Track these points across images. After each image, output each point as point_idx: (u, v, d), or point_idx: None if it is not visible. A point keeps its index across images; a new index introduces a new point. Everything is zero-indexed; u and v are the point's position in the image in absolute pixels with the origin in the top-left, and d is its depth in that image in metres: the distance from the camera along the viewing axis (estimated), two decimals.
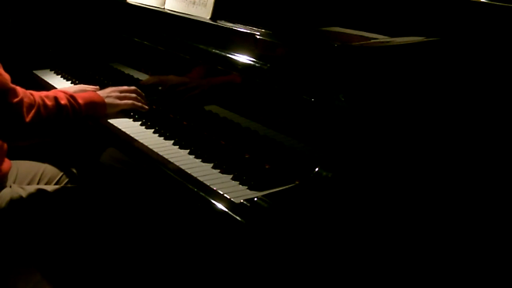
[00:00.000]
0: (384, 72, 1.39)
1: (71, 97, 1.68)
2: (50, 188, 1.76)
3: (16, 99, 1.53)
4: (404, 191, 1.38)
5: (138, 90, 1.87)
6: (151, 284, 1.86)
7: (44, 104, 1.60)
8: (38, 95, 1.61)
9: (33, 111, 1.56)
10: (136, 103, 1.84)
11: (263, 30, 1.56)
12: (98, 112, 1.76)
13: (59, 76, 2.30)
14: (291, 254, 1.24)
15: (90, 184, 1.85)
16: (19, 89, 1.56)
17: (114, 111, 1.81)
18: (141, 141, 1.63)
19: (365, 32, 1.63)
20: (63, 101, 1.64)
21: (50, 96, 1.63)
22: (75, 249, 1.84)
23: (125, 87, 1.86)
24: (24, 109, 1.54)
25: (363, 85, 1.35)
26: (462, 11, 1.54)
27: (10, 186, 1.72)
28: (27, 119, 1.54)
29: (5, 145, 1.70)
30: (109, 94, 1.81)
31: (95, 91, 1.86)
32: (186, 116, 1.79)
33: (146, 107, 1.86)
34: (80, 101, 1.69)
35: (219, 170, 1.42)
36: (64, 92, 1.69)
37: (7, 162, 1.74)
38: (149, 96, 1.93)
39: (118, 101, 1.80)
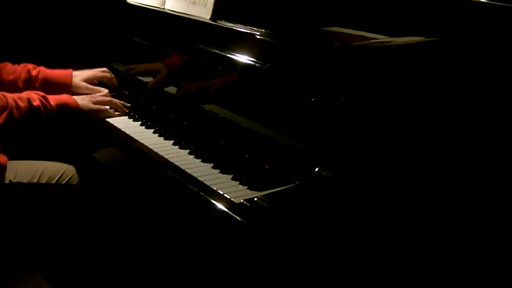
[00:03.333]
0: (384, 72, 1.39)
1: (44, 98, 1.67)
2: (50, 185, 1.76)
3: None
4: (404, 191, 1.38)
5: (113, 100, 1.86)
6: (151, 284, 1.86)
7: (17, 106, 1.59)
8: (11, 97, 1.61)
9: (5, 113, 1.56)
10: (111, 105, 1.84)
11: (263, 30, 1.56)
12: (72, 114, 1.74)
13: None
14: (291, 254, 1.24)
15: (90, 184, 1.85)
16: None
17: (93, 115, 1.79)
18: (141, 141, 1.63)
19: (365, 32, 1.63)
20: (36, 103, 1.63)
21: (23, 97, 1.63)
22: (75, 249, 1.84)
23: (98, 92, 1.88)
24: None
25: (363, 85, 1.35)
26: (462, 11, 1.54)
27: (10, 182, 1.72)
28: (0, 121, 1.54)
29: None
30: (83, 98, 1.80)
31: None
32: (186, 116, 1.79)
33: (125, 109, 1.86)
34: (52, 102, 1.68)
35: (219, 170, 1.42)
36: (37, 93, 1.68)
37: (2, 157, 1.74)
38: (150, 95, 1.93)
39: (92, 105, 1.79)
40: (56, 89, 1.93)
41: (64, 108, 1.71)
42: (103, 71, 1.98)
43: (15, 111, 1.58)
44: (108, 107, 1.82)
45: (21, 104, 1.60)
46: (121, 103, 1.86)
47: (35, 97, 1.65)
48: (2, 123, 1.55)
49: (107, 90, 1.92)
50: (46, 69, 1.97)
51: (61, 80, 1.96)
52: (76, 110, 1.75)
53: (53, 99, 1.69)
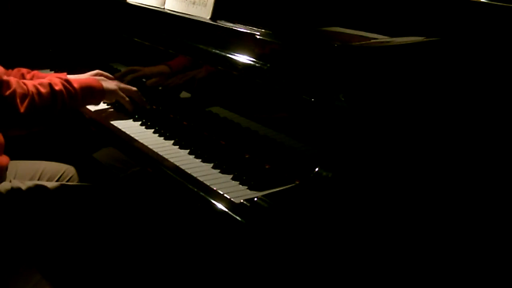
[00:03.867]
0: (384, 72, 1.39)
1: (67, 81, 1.65)
2: (50, 184, 1.76)
3: (9, 91, 1.52)
4: (404, 191, 1.38)
5: (139, 92, 1.87)
6: (151, 284, 1.86)
7: (38, 93, 1.58)
8: (32, 84, 1.59)
9: (26, 101, 1.55)
10: (135, 95, 1.84)
11: (263, 30, 1.56)
12: (96, 97, 1.75)
13: None
14: (291, 254, 1.24)
15: (90, 183, 1.85)
16: (12, 80, 1.55)
17: (112, 99, 1.80)
18: (141, 141, 1.63)
19: (365, 32, 1.63)
20: (58, 87, 1.62)
21: (45, 83, 1.61)
22: (75, 249, 1.84)
23: (126, 85, 1.87)
24: (18, 100, 1.53)
25: (363, 85, 1.35)
26: (462, 11, 1.54)
27: (10, 181, 1.72)
28: (21, 110, 1.53)
29: (1, 139, 1.70)
30: (110, 81, 1.80)
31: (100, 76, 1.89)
32: (186, 116, 1.79)
33: (147, 106, 1.85)
34: (76, 85, 1.66)
35: (219, 170, 1.42)
36: (60, 78, 1.67)
37: (4, 157, 1.74)
38: (149, 96, 1.93)
39: (118, 90, 1.79)
40: None
41: (88, 90, 1.70)
42: (96, 74, 1.96)
43: (36, 97, 1.56)
44: (128, 99, 1.82)
45: (43, 90, 1.59)
46: (143, 97, 1.86)
47: (57, 81, 1.63)
48: (24, 112, 1.53)
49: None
50: (40, 72, 1.97)
51: None
52: (101, 93, 1.75)
53: (77, 82, 1.68)
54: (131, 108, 1.82)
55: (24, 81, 1.59)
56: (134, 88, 1.85)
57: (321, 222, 1.24)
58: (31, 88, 1.57)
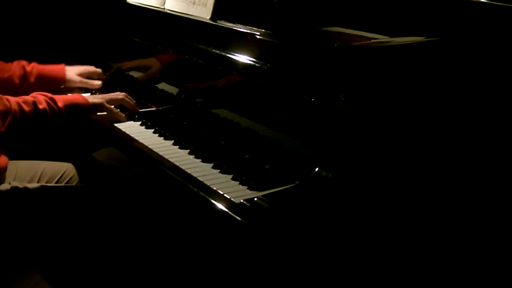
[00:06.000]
0: (384, 72, 1.39)
1: (51, 100, 1.63)
2: (50, 185, 1.76)
3: None
4: (404, 191, 1.38)
5: (128, 96, 1.84)
6: (151, 284, 1.86)
7: (21, 111, 1.55)
8: (15, 101, 1.56)
9: (8, 119, 1.52)
10: (124, 103, 1.82)
11: (263, 30, 1.56)
12: (83, 113, 1.72)
13: None
14: (291, 254, 1.24)
15: (90, 184, 1.85)
16: None
17: (103, 112, 1.77)
18: (141, 141, 1.63)
19: (365, 32, 1.63)
20: (42, 106, 1.59)
21: (29, 101, 1.58)
22: (75, 249, 1.84)
23: (113, 93, 1.85)
24: None
25: (363, 85, 1.35)
26: (462, 11, 1.54)
27: (10, 183, 1.72)
28: (2, 128, 1.50)
29: None
30: (96, 96, 1.79)
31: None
32: (186, 116, 1.79)
33: (137, 108, 1.84)
34: (60, 103, 1.64)
35: (219, 170, 1.42)
36: (45, 95, 1.64)
37: (3, 158, 1.73)
38: (150, 96, 1.93)
39: (104, 103, 1.76)
40: (51, 84, 1.94)
41: (74, 108, 1.67)
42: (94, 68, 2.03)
43: (18, 115, 1.54)
44: (118, 110, 1.79)
45: (26, 108, 1.56)
46: (133, 101, 1.84)
47: (41, 99, 1.61)
48: (5, 130, 1.51)
49: (100, 82, 2.02)
50: (39, 64, 1.98)
51: (55, 75, 1.98)
52: (88, 110, 1.72)
53: (62, 100, 1.65)
54: (124, 118, 1.78)
55: (8, 97, 1.56)
56: (121, 96, 1.81)
57: (321, 222, 1.24)
58: (14, 106, 1.54)
